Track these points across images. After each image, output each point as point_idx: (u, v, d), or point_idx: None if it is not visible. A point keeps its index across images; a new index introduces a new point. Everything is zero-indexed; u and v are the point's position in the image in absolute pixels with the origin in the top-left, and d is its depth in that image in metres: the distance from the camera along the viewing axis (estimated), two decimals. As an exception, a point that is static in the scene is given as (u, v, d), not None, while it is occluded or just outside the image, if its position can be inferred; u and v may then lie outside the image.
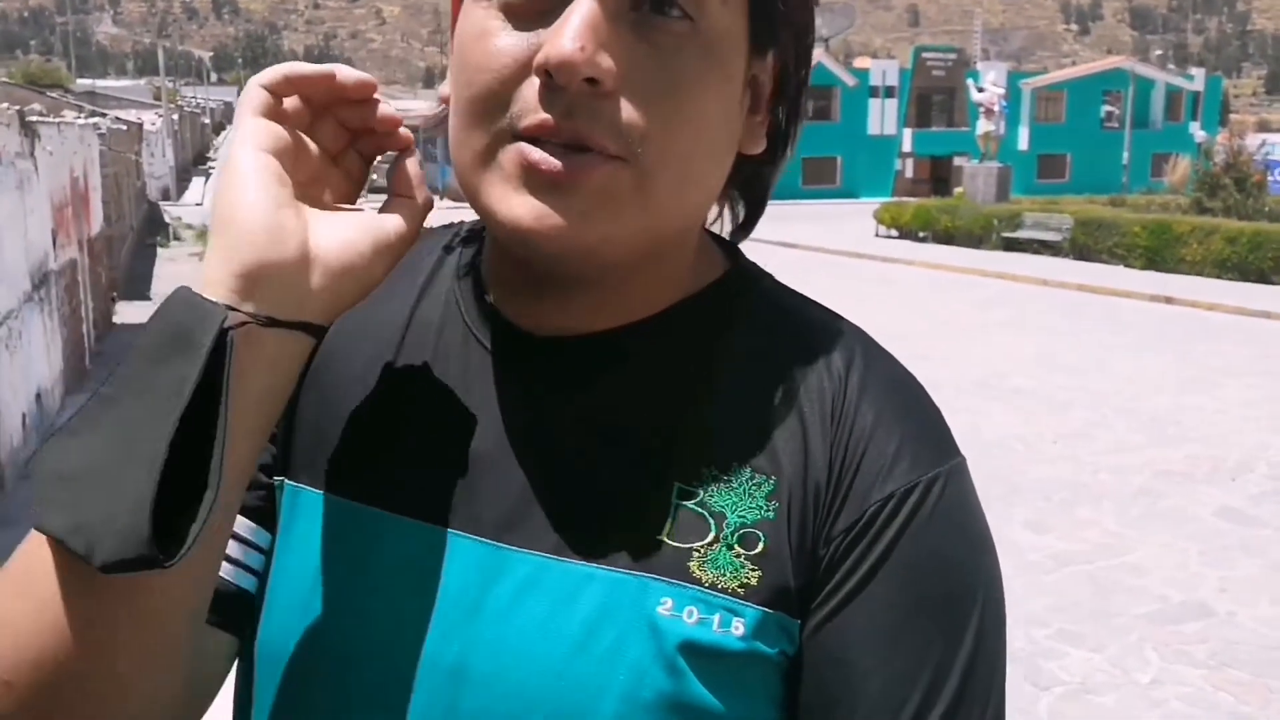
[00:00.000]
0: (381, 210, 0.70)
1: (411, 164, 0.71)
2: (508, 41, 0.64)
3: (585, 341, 0.72)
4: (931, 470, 0.69)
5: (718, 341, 0.74)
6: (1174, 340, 12.65)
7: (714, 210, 0.78)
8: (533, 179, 0.64)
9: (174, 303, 0.61)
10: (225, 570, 0.74)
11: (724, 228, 0.81)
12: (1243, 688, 4.50)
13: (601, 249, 0.66)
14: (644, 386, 0.72)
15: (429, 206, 0.71)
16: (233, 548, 0.75)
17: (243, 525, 0.76)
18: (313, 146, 0.70)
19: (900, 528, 0.68)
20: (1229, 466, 7.63)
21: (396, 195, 0.70)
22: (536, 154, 0.63)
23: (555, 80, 0.62)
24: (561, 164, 0.63)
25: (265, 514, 0.77)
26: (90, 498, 0.58)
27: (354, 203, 0.72)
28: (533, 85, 0.63)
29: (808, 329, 0.75)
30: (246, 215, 0.63)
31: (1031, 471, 7.41)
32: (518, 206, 0.64)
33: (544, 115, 0.63)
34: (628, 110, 0.63)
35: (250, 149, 0.65)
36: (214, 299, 0.61)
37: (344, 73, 0.69)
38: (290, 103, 0.69)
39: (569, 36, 0.61)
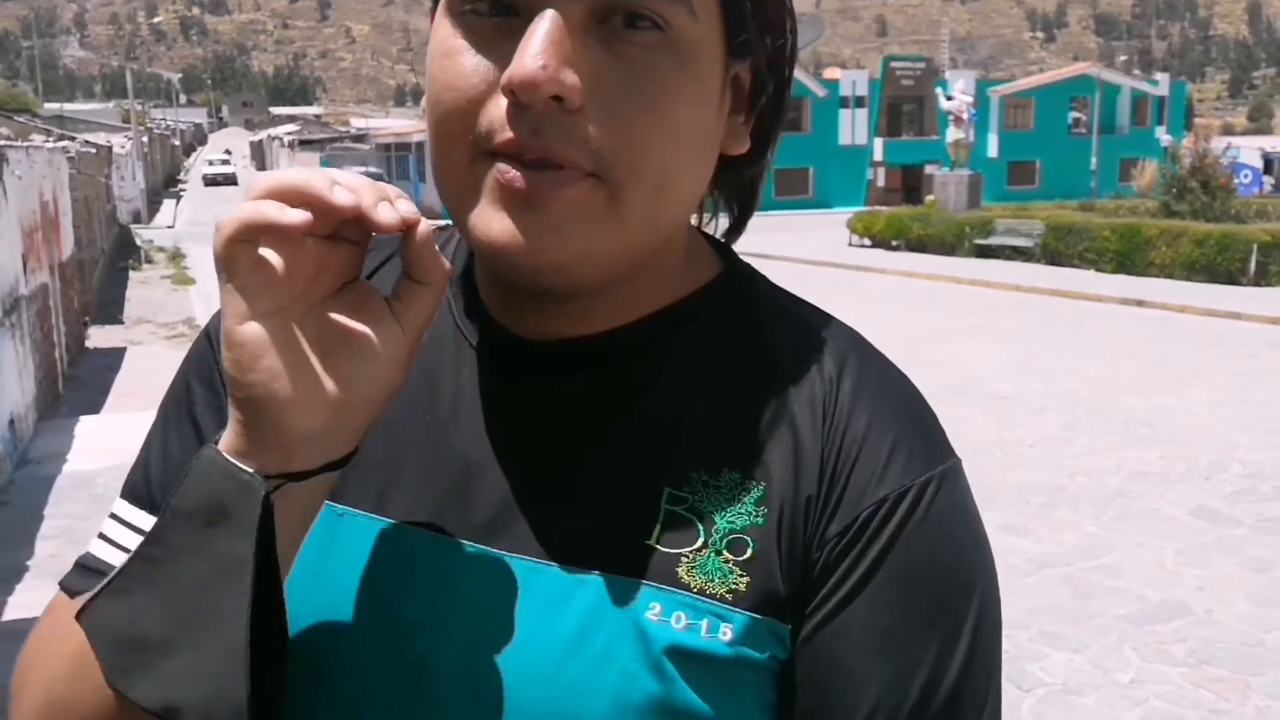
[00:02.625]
0: (396, 297, 0.64)
1: (425, 238, 0.63)
2: (474, 60, 0.64)
3: (575, 346, 0.72)
4: (925, 474, 0.69)
5: (709, 345, 0.73)
6: (1146, 342, 12.76)
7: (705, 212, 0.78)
8: (507, 197, 0.63)
9: (209, 469, 0.61)
10: None
11: (716, 228, 0.80)
12: (1222, 684, 4.53)
13: (576, 266, 0.65)
14: (634, 390, 0.72)
15: (447, 278, 0.65)
16: None
17: None
18: (306, 248, 0.61)
19: (894, 532, 0.67)
20: (1202, 466, 7.69)
21: (410, 279, 0.64)
22: (509, 172, 0.63)
23: (520, 99, 0.61)
24: (529, 181, 0.62)
25: None
26: (172, 669, 0.59)
27: (358, 275, 0.65)
28: (500, 104, 0.62)
29: (801, 331, 0.75)
30: (264, 395, 0.60)
31: (1009, 476, 7.44)
32: (493, 224, 0.64)
33: (510, 134, 0.62)
34: (597, 126, 0.62)
35: (243, 323, 0.60)
36: (248, 469, 0.60)
37: (341, 198, 0.59)
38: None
39: (531, 54, 0.60)
